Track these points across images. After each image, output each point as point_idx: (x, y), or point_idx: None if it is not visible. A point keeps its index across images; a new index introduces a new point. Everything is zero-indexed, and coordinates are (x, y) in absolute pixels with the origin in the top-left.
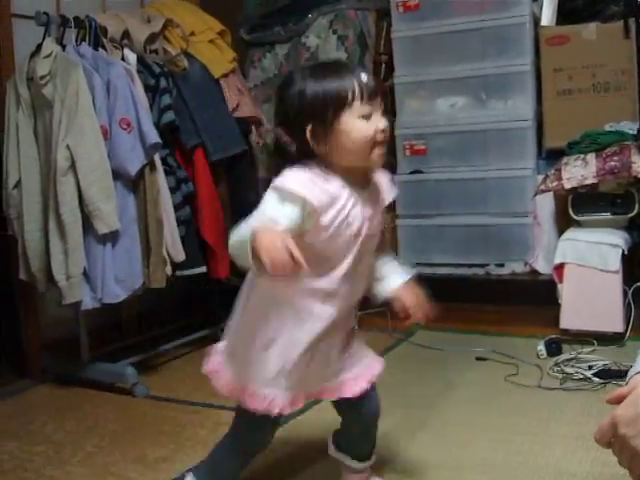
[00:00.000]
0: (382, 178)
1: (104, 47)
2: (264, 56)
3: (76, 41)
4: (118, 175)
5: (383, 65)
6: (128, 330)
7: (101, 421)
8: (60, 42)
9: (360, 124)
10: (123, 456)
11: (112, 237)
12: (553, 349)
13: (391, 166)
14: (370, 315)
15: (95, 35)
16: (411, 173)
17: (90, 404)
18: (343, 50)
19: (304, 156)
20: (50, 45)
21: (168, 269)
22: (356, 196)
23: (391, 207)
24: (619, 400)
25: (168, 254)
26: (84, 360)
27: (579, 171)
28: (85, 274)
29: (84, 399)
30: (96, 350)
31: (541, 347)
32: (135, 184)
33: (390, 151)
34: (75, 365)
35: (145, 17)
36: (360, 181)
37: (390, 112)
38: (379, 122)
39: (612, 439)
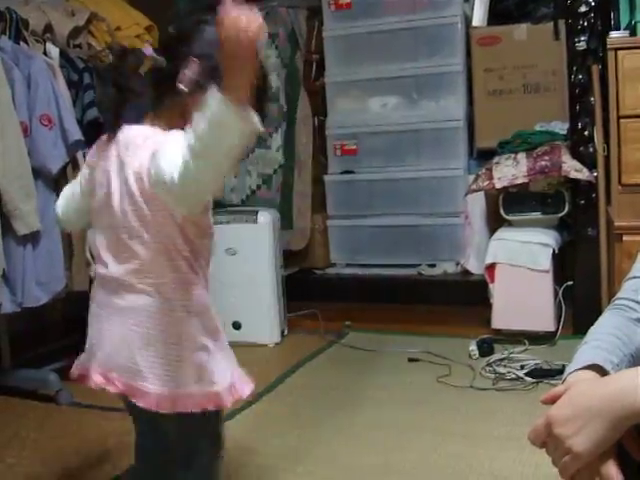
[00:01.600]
0: None
1: (25, 40)
2: None
3: None
4: (39, 173)
5: (314, 64)
6: (52, 335)
7: (23, 430)
8: None
9: None
10: (46, 467)
11: (33, 238)
12: (485, 349)
13: (322, 166)
14: (300, 317)
15: (16, 28)
16: (342, 173)
17: (11, 412)
18: (274, 48)
19: None
20: None
21: (91, 271)
22: None
23: (322, 207)
24: (554, 400)
25: (91, 255)
26: (5, 367)
27: (510, 170)
28: (4, 277)
29: (5, 407)
30: (18, 356)
31: (473, 347)
32: (57, 183)
33: (321, 151)
34: None
35: (69, 10)
36: None
37: (321, 112)
38: None
39: (546, 439)
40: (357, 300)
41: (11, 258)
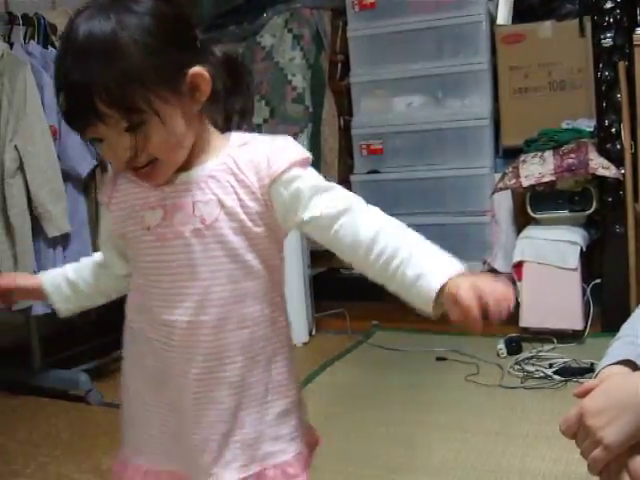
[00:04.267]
0: None
1: (54, 45)
2: None
3: (24, 39)
4: (68, 176)
5: (339, 65)
6: (82, 336)
7: (54, 430)
8: (8, 40)
9: (97, 146)
10: (77, 466)
11: (63, 240)
12: (513, 348)
13: (348, 166)
14: (328, 317)
15: (44, 33)
16: (368, 173)
17: (42, 413)
18: (299, 49)
19: None
20: None
21: None
22: None
23: None
24: (586, 393)
25: None
26: (36, 367)
27: (537, 169)
28: None
29: (36, 408)
30: (49, 357)
31: (501, 346)
32: (86, 185)
33: (346, 151)
34: (27, 373)
35: None
36: None
37: (347, 112)
38: (114, 147)
39: (578, 430)
40: (384, 299)
41: (41, 260)
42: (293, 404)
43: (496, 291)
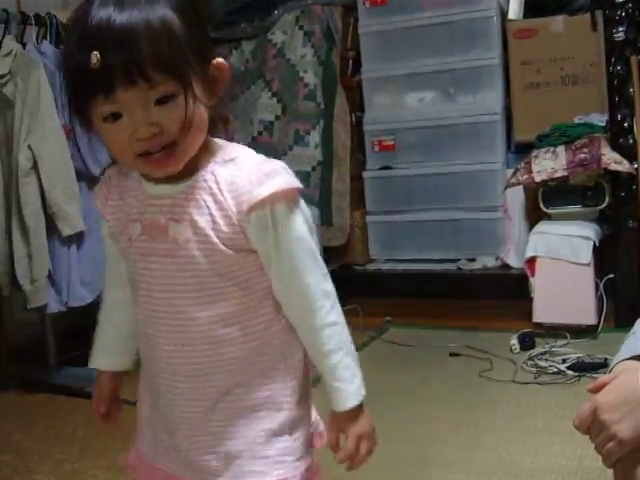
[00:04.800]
0: None
1: None
2: (230, 53)
3: (37, 39)
4: (82, 175)
5: (350, 61)
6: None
7: (69, 427)
8: (20, 40)
9: (107, 129)
10: (93, 463)
11: (77, 239)
12: (526, 343)
13: (360, 162)
14: None
15: (56, 33)
16: (380, 169)
17: (58, 410)
18: (310, 46)
19: None
20: (10, 43)
21: None
22: None
23: (361, 203)
24: (600, 388)
25: None
26: (51, 365)
27: (549, 164)
28: (50, 277)
29: (52, 405)
30: (64, 354)
31: (514, 341)
32: None
33: (358, 147)
34: (42, 370)
35: None
36: None
37: (358, 108)
38: (136, 123)
39: (591, 425)
40: (397, 295)
41: (56, 259)
42: (285, 425)
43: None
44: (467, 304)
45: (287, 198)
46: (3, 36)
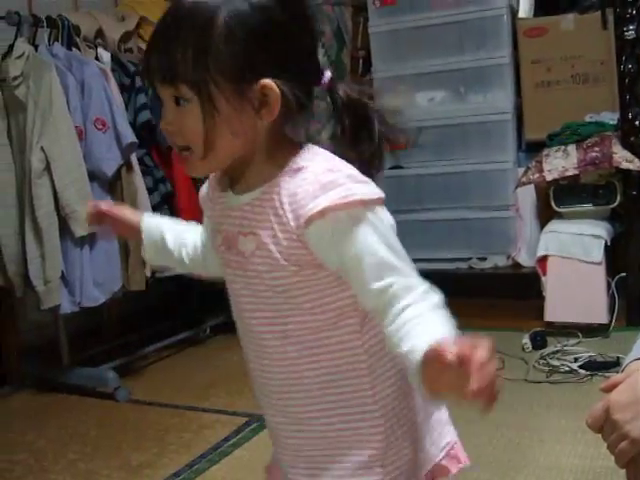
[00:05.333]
0: None
1: (77, 46)
2: None
3: (49, 41)
4: (94, 176)
5: (361, 60)
6: (109, 334)
7: (83, 427)
8: (32, 42)
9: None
10: (106, 462)
11: (90, 240)
12: (538, 342)
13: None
14: None
15: (68, 34)
16: (391, 168)
17: (71, 410)
18: (320, 45)
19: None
20: (22, 45)
21: (147, 271)
22: None
23: None
24: (613, 387)
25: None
26: (65, 365)
27: (560, 162)
28: (63, 278)
29: (65, 405)
30: (77, 355)
31: (526, 340)
32: (112, 185)
33: None
34: (55, 370)
35: (119, 15)
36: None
37: None
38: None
39: (604, 424)
40: None
41: (69, 259)
42: (376, 457)
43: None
44: (478, 303)
45: (348, 211)
46: (15, 38)
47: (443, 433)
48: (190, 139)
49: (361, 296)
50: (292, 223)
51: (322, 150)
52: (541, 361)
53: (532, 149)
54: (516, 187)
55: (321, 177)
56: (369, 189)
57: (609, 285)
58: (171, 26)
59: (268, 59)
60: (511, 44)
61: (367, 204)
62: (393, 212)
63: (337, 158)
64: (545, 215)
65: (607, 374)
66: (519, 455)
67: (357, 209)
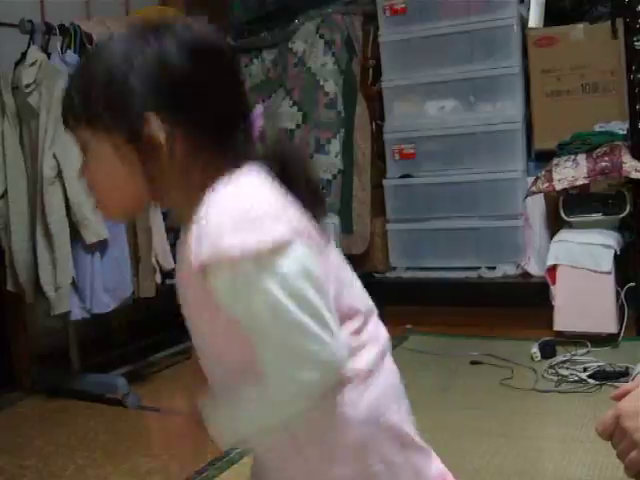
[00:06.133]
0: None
1: None
2: (251, 62)
3: (61, 49)
4: None
5: (371, 70)
6: (119, 340)
7: (92, 433)
8: (45, 50)
9: None
10: (115, 468)
11: (100, 246)
12: (547, 351)
13: (380, 170)
14: None
15: (80, 42)
16: (401, 177)
17: (81, 416)
18: (330, 54)
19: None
20: (35, 53)
21: (158, 277)
22: None
23: (381, 212)
24: (624, 396)
25: (157, 262)
26: (74, 371)
27: (570, 172)
28: (74, 284)
29: (75, 411)
30: (86, 361)
31: (535, 349)
32: None
33: (379, 155)
34: (65, 376)
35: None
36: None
37: (379, 116)
38: None
39: (614, 432)
40: (418, 303)
41: (80, 266)
42: None
43: None
44: (488, 312)
45: (231, 265)
46: (28, 46)
47: None
48: (90, 181)
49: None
50: (192, 266)
51: (246, 175)
52: (550, 370)
53: (542, 158)
54: (526, 196)
55: (207, 220)
56: (269, 233)
57: (618, 295)
58: (83, 67)
59: (158, 97)
60: (521, 54)
61: (270, 250)
62: (403, 221)
63: (256, 188)
64: (554, 224)
65: (616, 384)
66: (528, 465)
67: (243, 263)
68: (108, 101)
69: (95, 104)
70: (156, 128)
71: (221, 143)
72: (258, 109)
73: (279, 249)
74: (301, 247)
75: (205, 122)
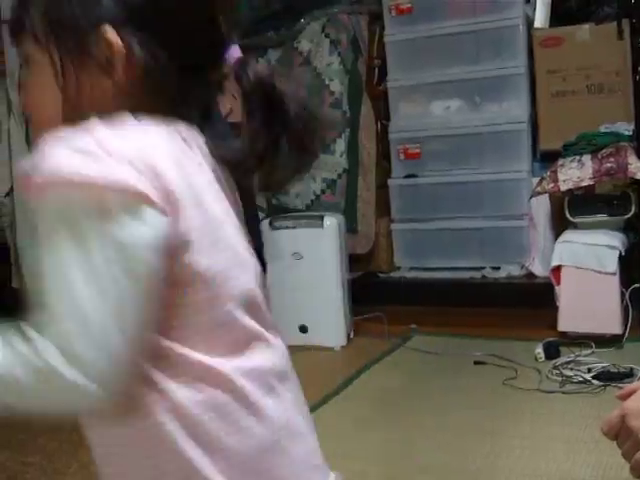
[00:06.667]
0: None
1: None
2: (257, 61)
3: None
4: None
5: (376, 69)
6: None
7: None
8: None
9: None
10: None
11: None
12: (551, 352)
13: (385, 170)
14: (366, 320)
15: None
16: (406, 177)
17: None
18: (336, 54)
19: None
20: None
21: None
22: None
23: (386, 211)
24: (629, 395)
25: None
26: None
27: (575, 173)
28: None
29: None
30: None
31: (539, 350)
32: None
33: (384, 155)
34: None
35: None
36: None
37: (384, 116)
38: None
39: (619, 431)
40: (422, 303)
41: None
42: None
43: None
44: (492, 312)
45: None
46: None
47: None
48: (28, 99)
49: None
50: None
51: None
52: (554, 371)
53: (547, 159)
54: (531, 197)
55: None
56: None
57: (623, 296)
58: None
59: (117, 5)
60: (527, 54)
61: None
62: (407, 221)
63: (137, 127)
64: (559, 225)
65: (620, 385)
66: (532, 465)
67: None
68: (59, 11)
69: (44, 14)
70: (112, 40)
71: (197, 74)
72: (234, 49)
73: (131, 202)
74: (159, 218)
75: (166, 46)
